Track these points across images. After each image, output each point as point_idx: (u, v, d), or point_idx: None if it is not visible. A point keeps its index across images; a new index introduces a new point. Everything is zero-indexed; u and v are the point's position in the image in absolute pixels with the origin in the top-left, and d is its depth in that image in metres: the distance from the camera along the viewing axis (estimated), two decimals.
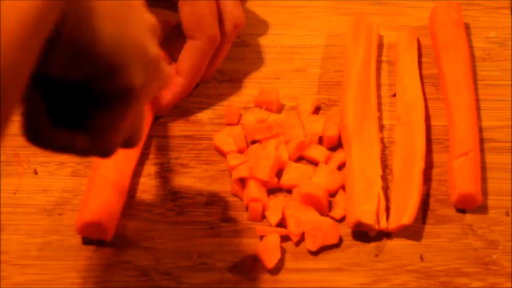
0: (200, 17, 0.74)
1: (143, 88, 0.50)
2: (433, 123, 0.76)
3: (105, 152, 0.53)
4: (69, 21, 0.44)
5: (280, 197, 0.71)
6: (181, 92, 0.76)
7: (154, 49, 0.52)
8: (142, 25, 0.51)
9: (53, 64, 0.46)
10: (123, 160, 0.70)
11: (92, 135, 0.51)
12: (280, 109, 0.78)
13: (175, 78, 0.75)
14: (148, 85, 0.51)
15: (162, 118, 0.76)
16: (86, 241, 0.68)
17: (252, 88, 0.79)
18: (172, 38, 0.78)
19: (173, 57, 0.78)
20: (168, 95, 0.75)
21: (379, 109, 0.77)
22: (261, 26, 0.85)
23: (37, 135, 0.50)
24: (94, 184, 0.68)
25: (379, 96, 0.78)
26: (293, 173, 0.72)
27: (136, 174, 0.72)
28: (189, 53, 0.75)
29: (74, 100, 0.49)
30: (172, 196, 0.71)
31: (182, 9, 0.74)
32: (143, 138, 0.57)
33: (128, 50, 0.48)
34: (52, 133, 0.50)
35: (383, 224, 0.68)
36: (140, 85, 0.50)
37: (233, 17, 0.76)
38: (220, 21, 0.75)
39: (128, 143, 0.55)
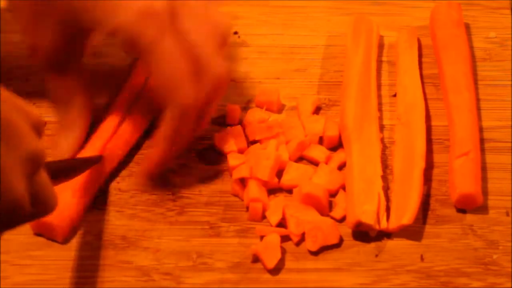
0: (169, 82, 0.66)
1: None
2: (433, 123, 0.76)
3: None
4: None
5: (281, 197, 0.71)
6: (158, 162, 0.70)
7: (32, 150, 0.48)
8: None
9: None
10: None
11: None
12: (280, 109, 0.78)
13: (152, 149, 0.70)
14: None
15: None
16: (86, 241, 0.68)
17: (252, 88, 0.79)
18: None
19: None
20: (146, 164, 0.71)
21: (380, 109, 0.77)
22: (262, 26, 0.85)
23: None
24: (66, 184, 0.68)
25: (379, 96, 0.78)
26: (294, 173, 0.72)
27: (136, 174, 0.72)
28: (164, 123, 0.68)
29: None
30: (172, 196, 0.71)
31: (151, 77, 0.68)
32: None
33: None
34: None
35: (383, 224, 0.68)
36: None
37: (211, 75, 0.67)
38: (200, 78, 0.67)
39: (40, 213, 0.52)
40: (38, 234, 0.68)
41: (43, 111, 0.76)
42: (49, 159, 0.71)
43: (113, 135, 0.72)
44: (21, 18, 0.69)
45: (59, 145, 0.71)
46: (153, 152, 0.70)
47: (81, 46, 0.70)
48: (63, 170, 0.65)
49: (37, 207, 0.50)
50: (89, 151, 0.71)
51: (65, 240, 0.68)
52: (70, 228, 0.68)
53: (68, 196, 0.68)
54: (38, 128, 0.50)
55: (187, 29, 0.67)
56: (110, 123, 0.72)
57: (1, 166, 0.46)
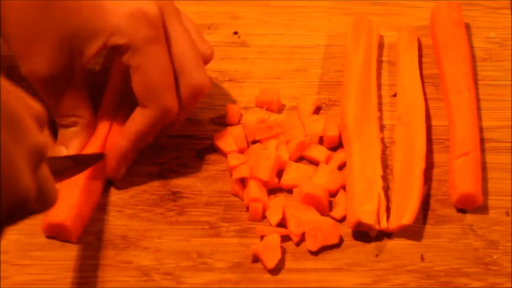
0: (152, 86, 0.67)
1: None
2: (433, 123, 0.76)
3: None
4: None
5: (281, 197, 0.71)
6: (123, 155, 0.70)
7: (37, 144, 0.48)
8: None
9: None
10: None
11: None
12: (280, 109, 0.78)
13: (119, 139, 0.70)
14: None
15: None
16: (87, 241, 0.68)
17: (252, 88, 0.79)
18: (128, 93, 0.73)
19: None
20: (110, 157, 0.70)
21: (380, 109, 0.77)
22: (262, 26, 0.85)
23: None
24: (63, 185, 0.68)
25: (379, 96, 0.78)
26: (294, 173, 0.72)
27: (136, 174, 0.72)
28: (138, 118, 0.68)
29: None
30: (173, 196, 0.71)
31: (132, 78, 0.67)
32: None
33: None
34: None
35: (384, 224, 0.68)
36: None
37: (192, 84, 0.69)
38: (178, 88, 0.68)
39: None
40: (50, 237, 0.68)
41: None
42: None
43: (107, 136, 0.72)
44: (17, 45, 0.68)
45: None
46: (120, 145, 0.70)
47: (78, 68, 0.69)
48: (65, 167, 0.65)
49: (39, 202, 0.50)
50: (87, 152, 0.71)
51: (79, 240, 0.68)
52: (82, 227, 0.68)
53: (76, 196, 0.68)
54: (41, 121, 0.49)
55: (174, 36, 0.68)
56: (101, 125, 0.73)
57: (11, 159, 0.46)
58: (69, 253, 0.67)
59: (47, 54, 0.68)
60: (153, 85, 0.67)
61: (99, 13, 0.66)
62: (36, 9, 0.66)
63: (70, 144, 0.71)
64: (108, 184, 0.72)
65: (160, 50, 0.67)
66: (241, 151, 0.73)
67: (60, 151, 0.71)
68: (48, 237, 0.68)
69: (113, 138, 0.71)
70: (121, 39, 0.66)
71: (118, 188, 0.71)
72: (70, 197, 0.67)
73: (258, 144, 0.74)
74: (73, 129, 0.71)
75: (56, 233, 0.67)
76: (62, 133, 0.72)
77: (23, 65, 0.69)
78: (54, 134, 0.72)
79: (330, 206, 0.70)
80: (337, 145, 0.74)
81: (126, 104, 0.73)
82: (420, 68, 0.80)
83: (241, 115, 0.77)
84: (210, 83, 0.70)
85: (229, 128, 0.75)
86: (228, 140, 0.74)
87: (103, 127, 0.72)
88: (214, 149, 0.74)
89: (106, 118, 0.73)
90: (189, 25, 0.71)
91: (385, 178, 0.71)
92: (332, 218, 0.69)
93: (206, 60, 0.72)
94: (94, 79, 0.77)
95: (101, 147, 0.71)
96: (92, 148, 0.71)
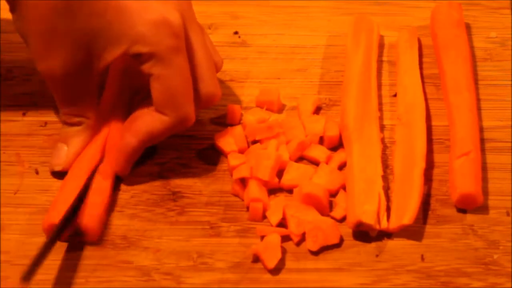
0: (173, 96, 0.67)
1: None
2: (434, 123, 0.76)
3: None
4: None
5: (281, 197, 0.71)
6: (132, 152, 0.70)
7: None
8: None
9: None
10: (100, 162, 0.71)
11: None
12: (281, 109, 0.78)
13: (129, 137, 0.70)
14: None
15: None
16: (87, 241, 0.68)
17: (253, 88, 0.79)
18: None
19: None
20: (117, 153, 0.70)
21: (380, 109, 0.77)
22: (262, 26, 0.85)
23: None
24: (66, 185, 0.69)
25: (379, 96, 0.78)
26: (294, 173, 0.72)
27: (137, 174, 0.72)
28: (153, 121, 0.69)
29: None
30: (173, 196, 0.71)
31: (153, 86, 0.67)
32: None
33: None
34: None
35: (384, 224, 0.68)
36: None
37: (206, 93, 0.70)
38: (194, 96, 0.69)
39: None
40: (67, 240, 0.68)
41: (44, 111, 0.76)
42: (46, 163, 0.72)
43: (107, 136, 0.72)
44: (35, 42, 0.67)
45: (57, 155, 0.72)
46: (128, 142, 0.70)
47: (96, 69, 0.69)
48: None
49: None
50: (88, 154, 0.71)
51: (99, 240, 0.68)
52: (101, 226, 0.68)
53: (92, 196, 0.68)
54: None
55: (194, 46, 0.69)
56: (102, 125, 0.73)
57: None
58: (69, 253, 0.67)
59: (65, 54, 0.67)
60: (174, 94, 0.67)
61: (124, 18, 0.65)
62: (59, 7, 0.65)
63: (72, 142, 0.71)
64: (117, 181, 0.72)
65: (182, 60, 0.67)
66: (242, 151, 0.73)
67: (60, 148, 0.71)
68: (66, 240, 0.67)
69: (113, 136, 0.71)
70: (144, 48, 0.66)
71: (120, 188, 0.71)
72: (73, 195, 0.68)
73: (258, 144, 0.74)
74: (76, 128, 0.71)
75: (76, 235, 0.67)
76: (65, 130, 0.72)
77: (39, 62, 0.68)
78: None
79: (331, 206, 0.70)
80: (337, 145, 0.74)
81: (124, 102, 0.74)
82: (421, 68, 0.80)
83: (242, 115, 0.77)
84: (221, 94, 0.71)
85: (229, 128, 0.75)
86: (229, 140, 0.74)
87: (104, 127, 0.72)
88: (215, 149, 0.74)
89: (106, 117, 0.73)
90: (205, 35, 0.72)
91: (385, 178, 0.71)
92: (333, 218, 0.69)
93: (217, 70, 0.73)
94: None
95: (102, 147, 0.71)
96: (93, 148, 0.71)
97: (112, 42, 0.66)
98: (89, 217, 0.67)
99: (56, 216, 0.66)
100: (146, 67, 0.67)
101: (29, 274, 0.61)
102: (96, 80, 0.70)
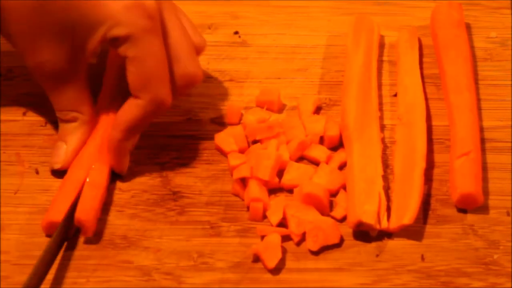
0: (147, 78, 0.67)
1: None
2: (434, 123, 0.76)
3: None
4: None
5: (281, 197, 0.71)
6: (118, 146, 0.70)
7: None
8: None
9: None
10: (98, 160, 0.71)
11: None
12: (281, 109, 0.78)
13: (112, 131, 0.70)
14: None
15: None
16: (87, 241, 0.68)
17: (253, 88, 0.79)
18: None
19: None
20: (108, 149, 0.70)
21: (380, 109, 0.77)
22: (262, 26, 0.85)
23: None
24: (66, 183, 0.69)
25: (380, 96, 0.78)
26: (294, 173, 0.72)
27: (137, 174, 0.72)
28: (130, 109, 0.69)
29: None
30: (173, 196, 0.71)
31: (128, 69, 0.68)
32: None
33: None
34: None
35: (384, 224, 0.68)
36: None
37: (185, 74, 0.70)
38: (172, 77, 0.69)
39: None
40: (68, 238, 0.68)
41: (44, 111, 0.76)
42: (46, 163, 0.72)
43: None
44: (20, 42, 0.69)
45: (56, 153, 0.72)
46: (112, 137, 0.70)
47: (81, 59, 0.70)
48: None
49: None
50: (87, 151, 0.71)
51: (96, 236, 0.68)
52: (96, 220, 0.68)
53: (86, 190, 0.68)
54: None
55: (170, 27, 0.69)
56: (100, 122, 0.73)
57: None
58: (69, 253, 0.67)
59: (51, 49, 0.68)
60: (148, 76, 0.68)
61: (99, 6, 0.66)
62: (35, 6, 0.66)
63: (69, 139, 0.71)
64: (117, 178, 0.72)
65: (156, 41, 0.68)
66: (242, 151, 0.73)
67: (59, 147, 0.71)
68: (67, 239, 0.68)
69: (108, 132, 0.72)
70: (120, 31, 0.66)
71: (120, 187, 0.71)
72: (72, 196, 0.68)
73: (258, 144, 0.74)
74: (73, 124, 0.71)
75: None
76: (63, 128, 0.72)
77: (28, 60, 0.69)
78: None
79: (331, 206, 0.70)
80: (337, 145, 0.74)
81: (122, 98, 0.74)
82: (421, 68, 0.80)
83: (242, 115, 0.77)
84: (203, 74, 0.71)
85: (229, 128, 0.75)
86: (229, 140, 0.73)
87: (102, 123, 0.72)
88: (215, 149, 0.74)
89: (105, 114, 0.73)
90: (182, 16, 0.72)
91: (385, 178, 0.71)
92: (333, 218, 0.69)
93: (199, 50, 0.73)
94: (91, 74, 0.77)
95: (100, 145, 0.71)
96: (92, 145, 0.71)
97: (90, 30, 0.67)
98: (84, 212, 0.67)
99: (56, 214, 0.66)
100: (122, 50, 0.67)
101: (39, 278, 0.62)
102: (84, 71, 0.71)
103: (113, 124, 0.70)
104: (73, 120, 0.72)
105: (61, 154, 0.71)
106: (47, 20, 0.67)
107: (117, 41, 0.67)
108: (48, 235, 0.68)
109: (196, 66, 0.71)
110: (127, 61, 0.68)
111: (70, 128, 0.72)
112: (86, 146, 0.72)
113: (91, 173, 0.69)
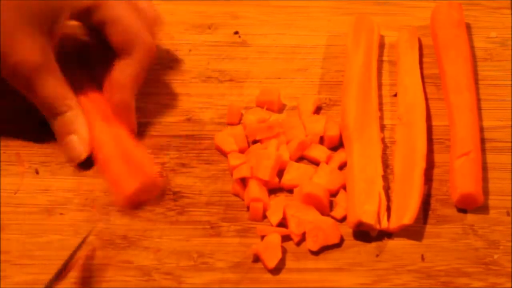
0: (134, 31, 0.71)
1: None
2: (434, 123, 0.76)
3: None
4: None
5: (281, 197, 0.71)
6: (127, 106, 0.72)
7: None
8: None
9: None
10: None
11: None
12: (281, 109, 0.78)
13: (122, 96, 0.72)
14: None
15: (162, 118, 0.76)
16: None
17: (253, 88, 0.79)
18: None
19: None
20: (126, 115, 0.73)
21: (380, 109, 0.77)
22: (262, 26, 0.85)
23: None
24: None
25: (380, 96, 0.78)
26: (294, 173, 0.72)
27: None
28: (127, 69, 0.72)
29: None
30: (173, 196, 0.71)
31: (111, 32, 0.71)
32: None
33: None
34: None
35: (384, 224, 0.68)
36: None
37: (152, 18, 0.75)
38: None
39: None
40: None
41: None
42: (46, 163, 0.72)
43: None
44: (4, 40, 0.68)
45: (71, 147, 0.72)
46: (124, 100, 0.72)
47: (52, 47, 0.70)
48: None
49: None
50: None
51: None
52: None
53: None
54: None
55: None
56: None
57: None
58: (69, 253, 0.67)
59: (27, 43, 0.68)
60: (131, 30, 0.71)
61: None
62: (15, 4, 0.67)
63: (76, 127, 0.71)
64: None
65: (125, 3, 0.72)
66: (242, 151, 0.73)
67: (71, 140, 0.71)
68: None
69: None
70: (87, 1, 0.70)
71: None
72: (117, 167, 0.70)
73: (258, 144, 0.74)
74: (70, 113, 0.71)
75: (135, 201, 0.69)
76: (61, 122, 0.72)
77: (8, 61, 0.68)
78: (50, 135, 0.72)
79: (331, 206, 0.70)
80: (337, 145, 0.74)
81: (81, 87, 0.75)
82: (421, 68, 0.80)
83: (242, 115, 0.77)
84: (159, 16, 0.76)
85: (229, 128, 0.75)
86: (229, 140, 0.74)
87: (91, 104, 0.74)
88: (215, 149, 0.74)
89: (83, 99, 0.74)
90: None
91: (385, 178, 0.71)
92: (333, 218, 0.69)
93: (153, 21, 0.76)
94: None
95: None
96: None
97: (57, 12, 0.69)
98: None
99: (132, 183, 0.68)
100: (96, 18, 0.71)
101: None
102: (54, 59, 0.71)
103: (114, 90, 0.72)
104: (68, 108, 0.71)
105: (78, 145, 0.71)
106: (22, 13, 0.68)
107: (87, 13, 0.70)
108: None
109: (155, 9, 0.75)
110: (107, 26, 0.71)
111: (70, 117, 0.71)
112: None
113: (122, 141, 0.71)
